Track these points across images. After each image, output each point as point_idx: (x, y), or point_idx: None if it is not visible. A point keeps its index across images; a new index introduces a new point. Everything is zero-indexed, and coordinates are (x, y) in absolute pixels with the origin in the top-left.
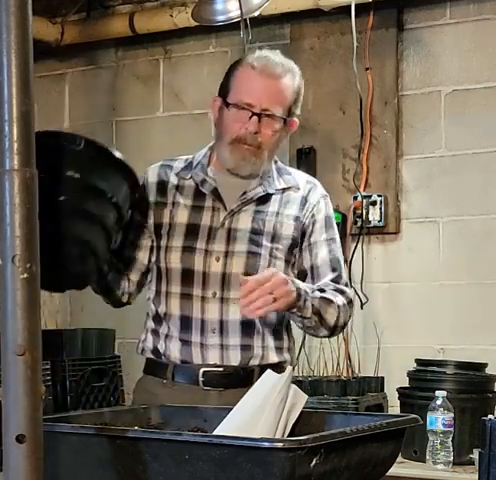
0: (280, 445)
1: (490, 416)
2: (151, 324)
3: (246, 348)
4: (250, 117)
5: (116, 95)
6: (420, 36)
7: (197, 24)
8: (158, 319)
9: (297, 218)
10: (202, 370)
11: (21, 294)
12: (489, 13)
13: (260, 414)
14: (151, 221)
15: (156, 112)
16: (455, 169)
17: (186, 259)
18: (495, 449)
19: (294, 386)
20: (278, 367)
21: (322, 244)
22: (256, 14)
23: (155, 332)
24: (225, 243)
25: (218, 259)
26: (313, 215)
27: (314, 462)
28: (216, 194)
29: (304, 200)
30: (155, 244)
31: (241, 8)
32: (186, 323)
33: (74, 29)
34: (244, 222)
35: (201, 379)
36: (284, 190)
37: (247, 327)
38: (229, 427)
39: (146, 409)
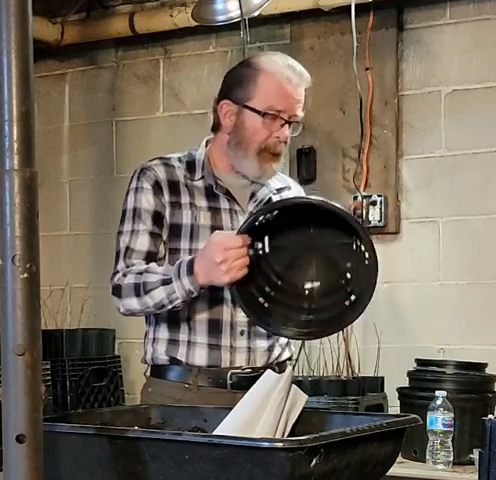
0: (280, 445)
1: (490, 416)
2: (165, 334)
3: (270, 349)
4: (282, 125)
5: (116, 95)
6: (420, 36)
7: (197, 24)
8: (175, 326)
9: None
10: (230, 373)
11: (21, 294)
12: (489, 13)
13: (260, 414)
14: (167, 221)
15: (156, 112)
16: (455, 169)
17: None
18: (495, 449)
19: (294, 386)
20: (285, 362)
21: None
22: (256, 14)
23: (172, 341)
24: None
25: None
26: None
27: (314, 462)
28: (230, 195)
29: None
30: (169, 246)
31: (241, 8)
32: (215, 327)
33: (74, 29)
34: None
35: (229, 382)
36: (279, 190)
37: None
38: (229, 427)
39: (146, 409)
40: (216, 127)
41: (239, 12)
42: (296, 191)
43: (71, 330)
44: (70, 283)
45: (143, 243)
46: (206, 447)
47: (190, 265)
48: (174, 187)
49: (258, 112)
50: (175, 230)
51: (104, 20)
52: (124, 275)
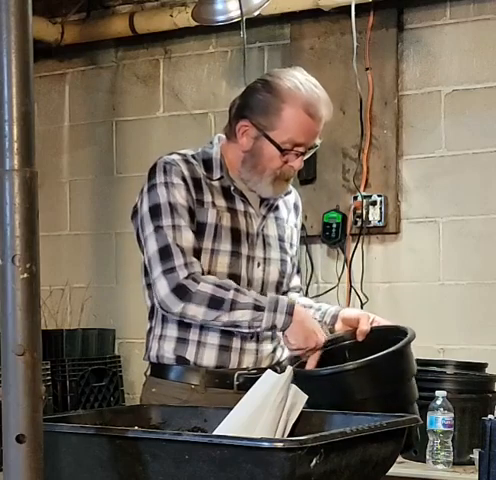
0: (280, 445)
1: (490, 416)
2: (173, 332)
3: (274, 351)
4: (298, 155)
5: (116, 95)
6: (420, 36)
7: (197, 24)
8: (186, 325)
9: (296, 225)
10: (237, 374)
11: (21, 294)
12: (489, 13)
13: (260, 414)
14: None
15: (156, 112)
16: (455, 169)
17: (233, 264)
18: (495, 449)
19: (294, 386)
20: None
21: (297, 247)
22: (256, 14)
23: (182, 340)
24: (262, 249)
25: (259, 265)
26: (301, 221)
27: (314, 462)
28: (245, 198)
29: (296, 206)
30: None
31: (241, 8)
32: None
33: (74, 29)
34: (272, 229)
35: (236, 383)
36: (286, 193)
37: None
38: (229, 427)
39: (146, 409)
40: (230, 136)
41: (239, 12)
42: (295, 194)
43: (71, 330)
44: (70, 283)
45: (188, 239)
46: (206, 447)
47: (291, 306)
48: (197, 184)
49: (277, 146)
50: (200, 229)
51: (104, 20)
52: (195, 280)
